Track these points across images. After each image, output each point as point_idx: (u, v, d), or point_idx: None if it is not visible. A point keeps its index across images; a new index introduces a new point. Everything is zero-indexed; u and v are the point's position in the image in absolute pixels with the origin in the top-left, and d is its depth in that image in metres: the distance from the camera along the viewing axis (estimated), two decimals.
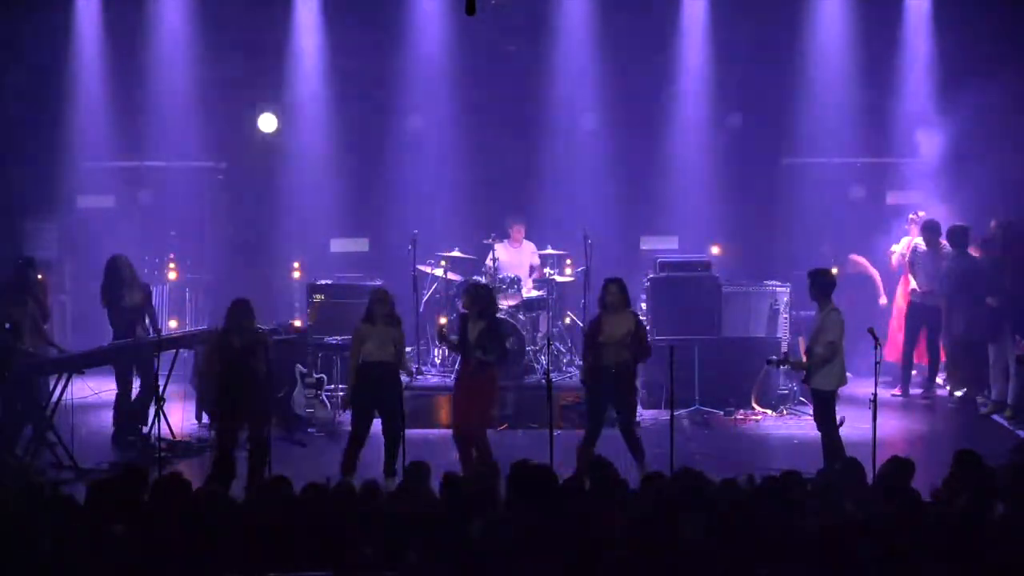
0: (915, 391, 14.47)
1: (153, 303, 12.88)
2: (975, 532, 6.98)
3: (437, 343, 13.90)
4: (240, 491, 8.38)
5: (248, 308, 10.46)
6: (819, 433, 10.63)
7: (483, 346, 10.68)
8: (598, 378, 10.73)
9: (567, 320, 14.71)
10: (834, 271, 12.07)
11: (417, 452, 9.58)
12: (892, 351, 14.37)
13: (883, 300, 15.04)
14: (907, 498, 7.39)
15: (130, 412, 12.33)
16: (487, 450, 10.60)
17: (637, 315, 11.11)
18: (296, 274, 15.64)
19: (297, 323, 14.17)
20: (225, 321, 10.46)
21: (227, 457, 9.91)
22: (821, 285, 10.67)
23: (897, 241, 14.90)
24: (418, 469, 8.10)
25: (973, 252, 13.76)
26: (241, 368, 10.27)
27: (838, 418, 10.55)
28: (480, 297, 10.93)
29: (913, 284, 14.31)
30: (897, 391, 14.37)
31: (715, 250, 14.21)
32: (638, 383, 11.35)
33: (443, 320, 13.93)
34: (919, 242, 14.31)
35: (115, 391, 12.40)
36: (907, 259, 14.42)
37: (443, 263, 14.41)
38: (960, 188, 14.72)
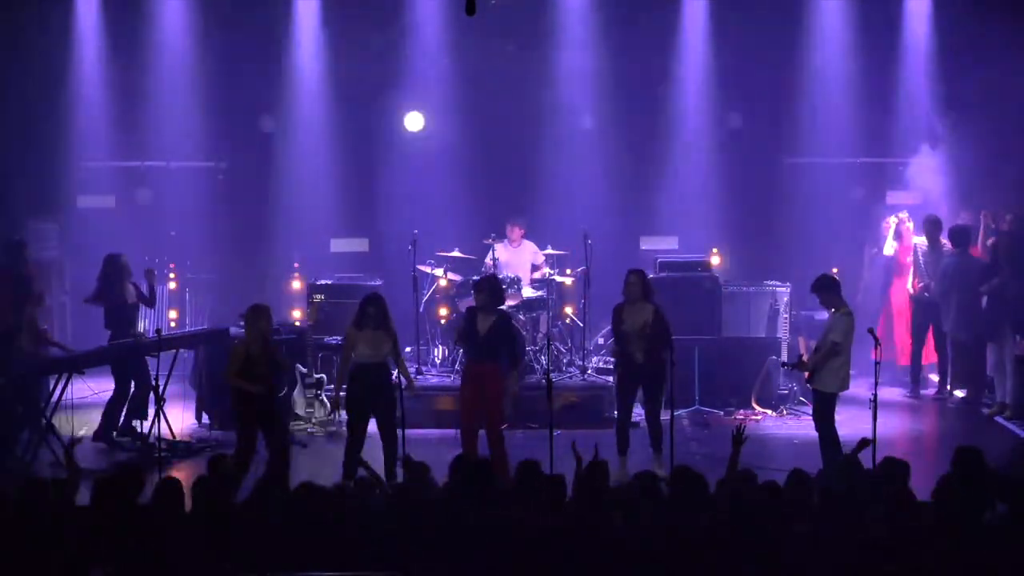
0: (925, 392, 14.46)
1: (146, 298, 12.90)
2: (974, 532, 6.99)
3: (454, 343, 13.86)
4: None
5: (267, 313, 10.42)
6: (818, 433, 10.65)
7: (495, 346, 10.74)
8: (627, 367, 11.07)
9: (567, 318, 14.69)
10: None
11: (417, 452, 9.55)
12: (888, 351, 14.37)
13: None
14: (903, 498, 7.40)
15: (128, 411, 12.34)
16: (503, 448, 10.65)
17: (656, 307, 11.13)
18: (296, 283, 15.50)
19: (297, 313, 14.24)
20: (245, 328, 10.42)
21: (246, 463, 9.94)
22: (829, 289, 10.67)
23: (880, 242, 14.93)
24: (417, 469, 8.12)
25: (974, 252, 13.76)
26: (262, 375, 10.23)
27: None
28: (494, 290, 10.96)
29: (913, 288, 14.29)
30: (906, 391, 14.36)
31: (715, 260, 14.21)
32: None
33: (444, 312, 14.01)
34: (920, 241, 14.29)
35: (113, 391, 12.42)
36: (911, 260, 14.38)
37: (444, 267, 14.40)
38: (961, 187, 14.71)
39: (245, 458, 10.07)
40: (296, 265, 15.72)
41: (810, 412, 11.21)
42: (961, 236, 13.71)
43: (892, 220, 14.83)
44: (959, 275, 13.56)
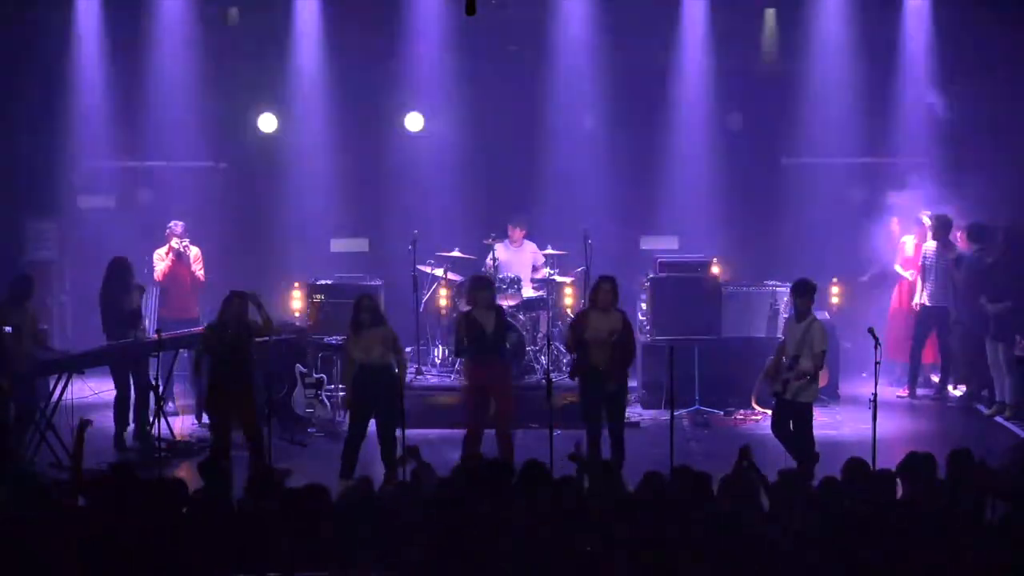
0: (924, 391, 14.44)
1: (142, 304, 12.89)
2: (973, 532, 7.00)
3: (457, 353, 13.80)
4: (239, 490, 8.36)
5: (243, 301, 10.50)
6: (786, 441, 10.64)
7: (503, 338, 10.75)
8: (587, 378, 10.73)
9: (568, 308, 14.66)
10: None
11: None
12: (891, 350, 14.35)
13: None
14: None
15: (136, 413, 12.33)
16: (512, 449, 10.66)
17: (625, 315, 10.94)
18: (296, 294, 15.20)
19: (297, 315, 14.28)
20: (220, 313, 10.51)
21: (221, 457, 9.91)
22: (811, 297, 10.68)
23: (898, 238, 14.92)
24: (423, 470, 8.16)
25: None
26: (231, 360, 10.30)
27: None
28: (488, 287, 10.96)
29: (921, 297, 14.21)
30: (903, 391, 14.34)
31: (715, 269, 14.19)
32: (634, 383, 11.26)
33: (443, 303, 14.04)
34: (929, 246, 14.21)
35: (114, 392, 12.41)
36: (921, 264, 14.31)
37: (444, 267, 14.39)
38: (961, 187, 14.70)
39: (215, 452, 10.11)
40: (296, 286, 15.39)
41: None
42: (977, 232, 13.71)
43: (907, 239, 14.82)
44: (975, 270, 13.57)
